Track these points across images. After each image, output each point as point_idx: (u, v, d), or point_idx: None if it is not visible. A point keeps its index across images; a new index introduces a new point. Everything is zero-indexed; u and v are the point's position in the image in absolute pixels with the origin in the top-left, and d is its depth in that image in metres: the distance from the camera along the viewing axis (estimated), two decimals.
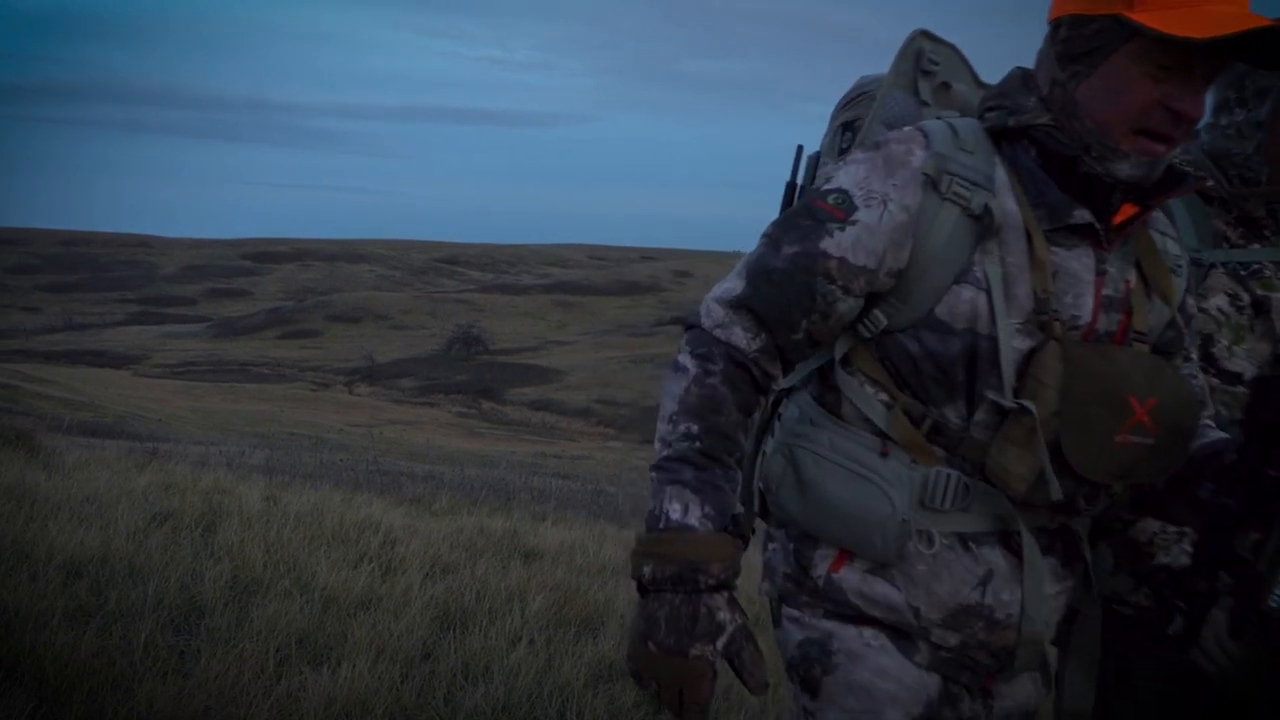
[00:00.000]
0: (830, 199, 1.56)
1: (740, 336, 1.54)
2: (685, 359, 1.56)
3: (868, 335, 1.59)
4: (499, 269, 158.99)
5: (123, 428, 26.53)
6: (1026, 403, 1.50)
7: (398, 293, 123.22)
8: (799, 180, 1.86)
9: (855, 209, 1.54)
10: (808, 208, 1.57)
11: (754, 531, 1.64)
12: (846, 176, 1.58)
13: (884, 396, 1.59)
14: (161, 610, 3.97)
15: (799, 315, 1.54)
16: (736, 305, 1.55)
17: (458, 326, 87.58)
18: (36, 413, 26.62)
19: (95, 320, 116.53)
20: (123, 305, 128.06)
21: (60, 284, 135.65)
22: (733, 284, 1.58)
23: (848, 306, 1.56)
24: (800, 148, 1.87)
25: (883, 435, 1.58)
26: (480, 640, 4.15)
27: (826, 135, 1.87)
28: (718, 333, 1.55)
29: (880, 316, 1.57)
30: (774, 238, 1.58)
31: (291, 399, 62.23)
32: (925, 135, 1.57)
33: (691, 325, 1.60)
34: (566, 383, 71.57)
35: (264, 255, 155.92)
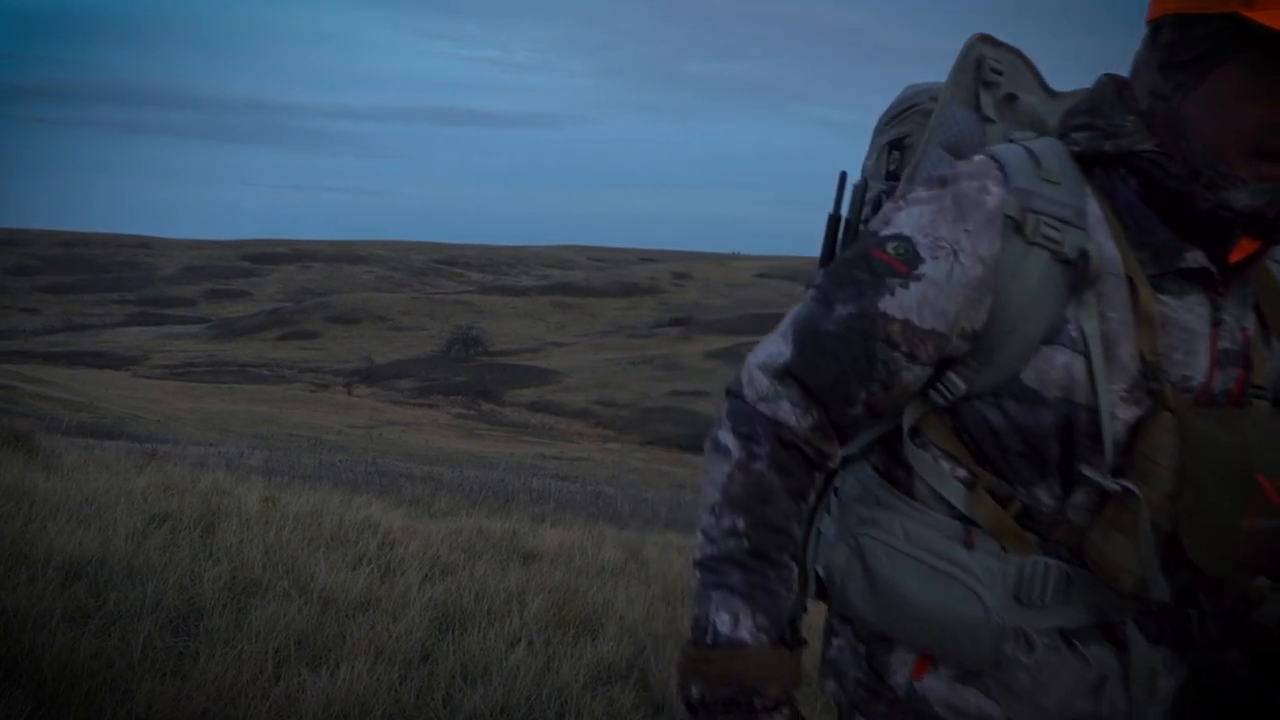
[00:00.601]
0: (890, 248, 1.32)
1: (788, 412, 1.33)
2: (727, 438, 1.35)
3: (942, 403, 1.35)
4: (498, 270, 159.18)
5: (122, 429, 26.54)
6: (1131, 485, 1.26)
7: (397, 294, 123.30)
8: (844, 213, 1.60)
9: (920, 261, 1.30)
10: (864, 257, 1.33)
11: (806, 610, 1.46)
12: (909, 220, 1.33)
13: (962, 473, 1.35)
14: (160, 611, 3.97)
15: (856, 387, 1.32)
16: (782, 375, 1.33)
17: (457, 328, 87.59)
18: (35, 413, 26.63)
19: (94, 321, 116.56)
20: (122, 306, 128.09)
21: (59, 285, 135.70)
22: (778, 348, 1.35)
23: (914, 375, 1.33)
24: (844, 175, 1.60)
25: (964, 519, 1.35)
26: (479, 642, 4.15)
27: (870, 154, 1.62)
28: (762, 407, 1.33)
29: (957, 382, 1.33)
30: (825, 293, 1.34)
31: (290, 400, 62.24)
32: (1001, 166, 1.32)
33: (733, 393, 1.38)
34: (565, 384, 71.59)
35: (263, 256, 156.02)
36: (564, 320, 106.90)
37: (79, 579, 4.20)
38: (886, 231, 1.34)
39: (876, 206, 1.55)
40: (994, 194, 1.30)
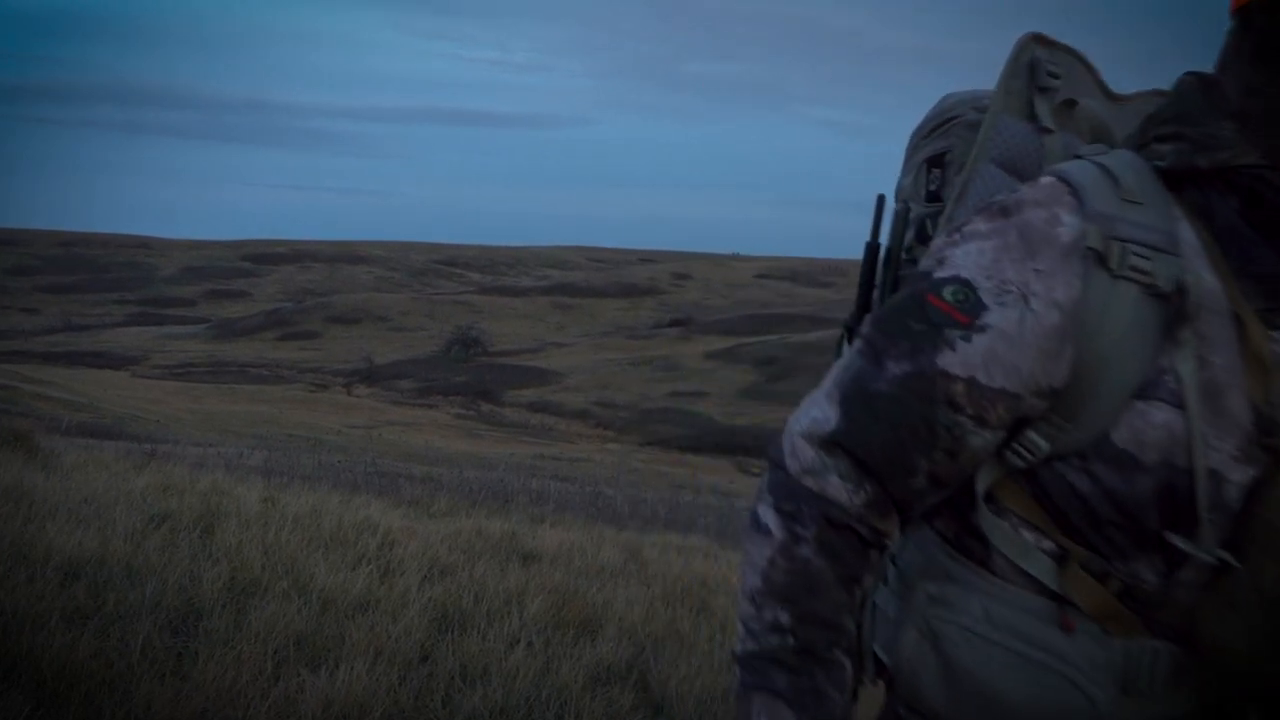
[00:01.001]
0: (948, 293, 1.14)
1: (838, 487, 1.15)
2: (768, 515, 1.18)
3: (1020, 465, 1.17)
4: (498, 270, 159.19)
5: (121, 429, 26.51)
6: (1227, 556, 1.09)
7: (396, 294, 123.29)
8: (884, 241, 1.42)
9: (984, 308, 1.12)
10: (917, 303, 1.15)
11: (864, 683, 1.28)
12: (967, 258, 1.15)
13: (1049, 545, 1.17)
14: (159, 612, 3.97)
15: (916, 456, 1.14)
16: (829, 444, 1.16)
17: (456, 328, 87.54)
18: (35, 413, 26.59)
19: (94, 321, 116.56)
20: (121, 306, 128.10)
21: (59, 285, 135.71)
22: (822, 411, 1.17)
23: (983, 441, 1.15)
24: (881, 198, 1.44)
25: (1056, 598, 1.16)
26: (478, 642, 4.15)
27: (905, 173, 1.46)
28: (807, 481, 1.16)
29: (1038, 441, 1.15)
30: (874, 345, 1.17)
31: (290, 400, 62.21)
32: (1074, 189, 1.14)
33: (774, 463, 1.21)
34: (565, 384, 71.55)
35: (263, 256, 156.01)
36: (563, 321, 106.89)
37: (78, 579, 4.20)
38: (942, 273, 1.16)
39: (920, 230, 1.41)
40: (1068, 224, 1.13)
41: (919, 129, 1.46)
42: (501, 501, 10.81)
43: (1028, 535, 1.18)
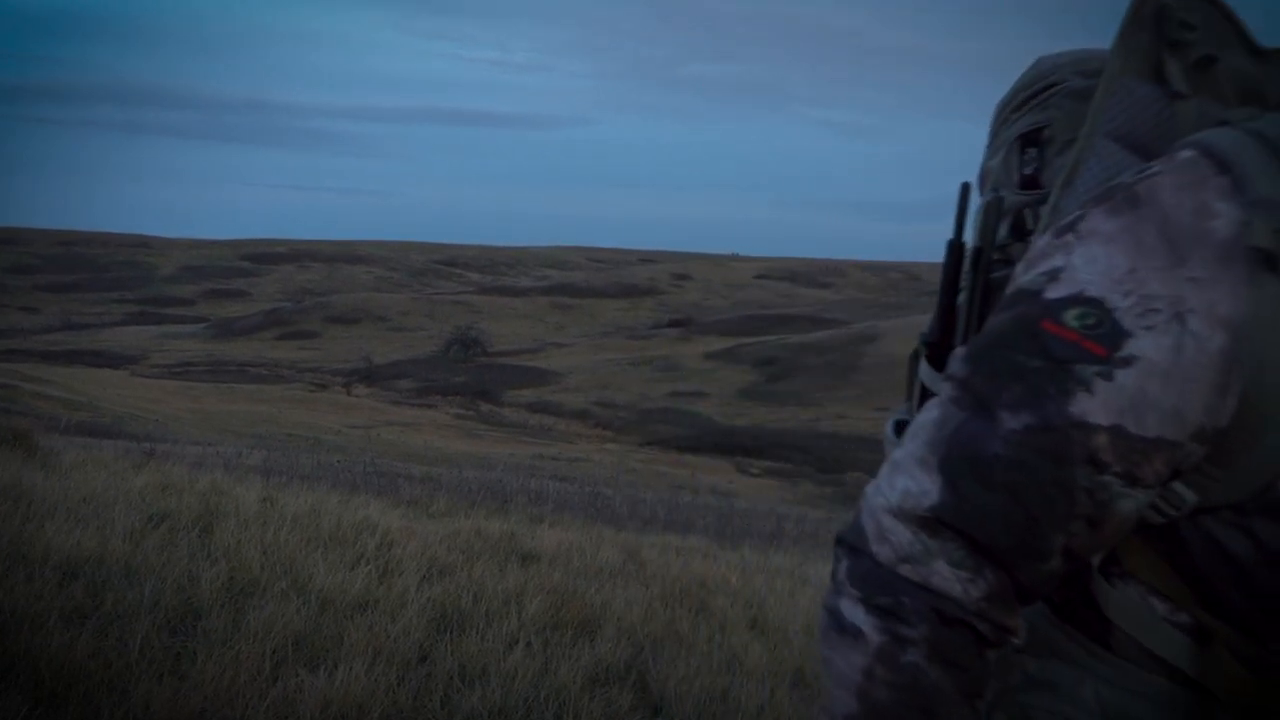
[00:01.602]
0: (1071, 318, 0.88)
1: (947, 578, 0.89)
2: (855, 613, 0.91)
3: (1158, 520, 0.93)
4: (497, 271, 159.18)
5: (120, 428, 26.50)
6: None
7: (396, 294, 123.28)
8: (971, 240, 1.16)
9: (1125, 335, 0.87)
10: (1029, 332, 0.89)
11: None
12: (1090, 268, 0.89)
13: (1184, 619, 0.94)
14: (158, 611, 3.96)
15: (1050, 532, 0.88)
16: (932, 524, 0.90)
17: (456, 328, 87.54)
18: (34, 412, 26.57)
19: (93, 320, 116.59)
20: (121, 305, 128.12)
21: (59, 284, 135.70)
22: (916, 481, 0.91)
23: (1134, 504, 0.90)
24: (965, 187, 1.18)
25: (1191, 684, 0.94)
26: (477, 643, 4.15)
27: (991, 153, 1.20)
28: (906, 571, 0.90)
29: (1183, 494, 0.91)
30: (978, 392, 0.91)
31: (289, 400, 62.18)
32: (1225, 166, 0.89)
33: (853, 548, 0.94)
34: (564, 385, 71.55)
35: (262, 256, 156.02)
36: (563, 321, 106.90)
37: (76, 579, 4.19)
38: (1057, 291, 0.90)
39: (1016, 224, 1.16)
40: (1223, 215, 0.87)
41: (1007, 100, 1.21)
42: (500, 501, 10.80)
43: (1158, 605, 0.96)
